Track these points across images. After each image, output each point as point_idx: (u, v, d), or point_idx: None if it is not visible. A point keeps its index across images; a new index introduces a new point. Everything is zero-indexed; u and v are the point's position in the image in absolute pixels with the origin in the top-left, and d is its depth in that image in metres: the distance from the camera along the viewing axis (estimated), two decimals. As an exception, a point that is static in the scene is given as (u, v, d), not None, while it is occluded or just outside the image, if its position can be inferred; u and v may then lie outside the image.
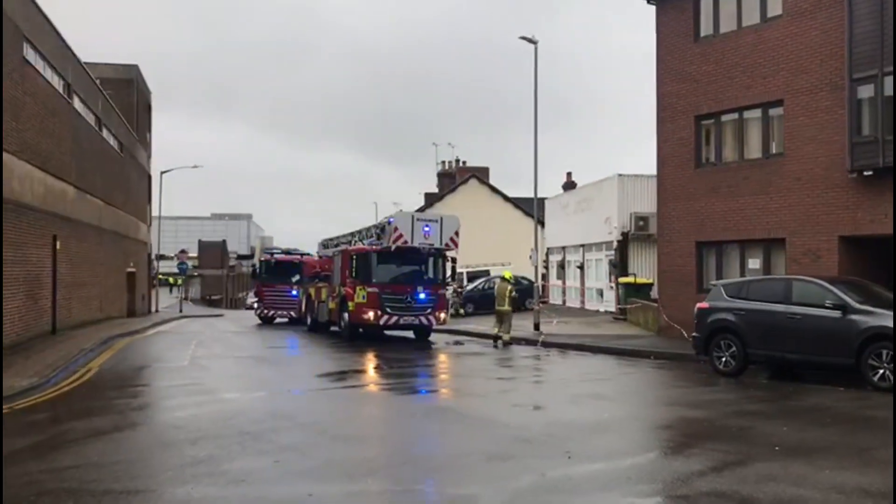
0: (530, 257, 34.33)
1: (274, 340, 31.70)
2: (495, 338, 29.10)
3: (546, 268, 51.69)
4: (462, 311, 42.89)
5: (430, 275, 30.86)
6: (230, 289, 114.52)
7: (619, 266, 39.95)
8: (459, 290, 44.42)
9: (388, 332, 32.77)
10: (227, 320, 49.85)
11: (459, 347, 29.08)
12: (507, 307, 29.01)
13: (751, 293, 21.97)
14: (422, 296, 30.14)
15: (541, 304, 34.98)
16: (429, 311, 30.37)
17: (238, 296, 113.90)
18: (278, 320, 43.49)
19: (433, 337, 32.58)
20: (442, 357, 25.57)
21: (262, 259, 45.53)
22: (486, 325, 35.93)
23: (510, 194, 67.09)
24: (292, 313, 42.70)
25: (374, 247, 30.66)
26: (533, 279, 37.18)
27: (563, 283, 48.93)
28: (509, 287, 28.98)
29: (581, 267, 46.07)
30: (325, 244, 39.77)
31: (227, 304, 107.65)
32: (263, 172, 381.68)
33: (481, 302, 46.01)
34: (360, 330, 30.60)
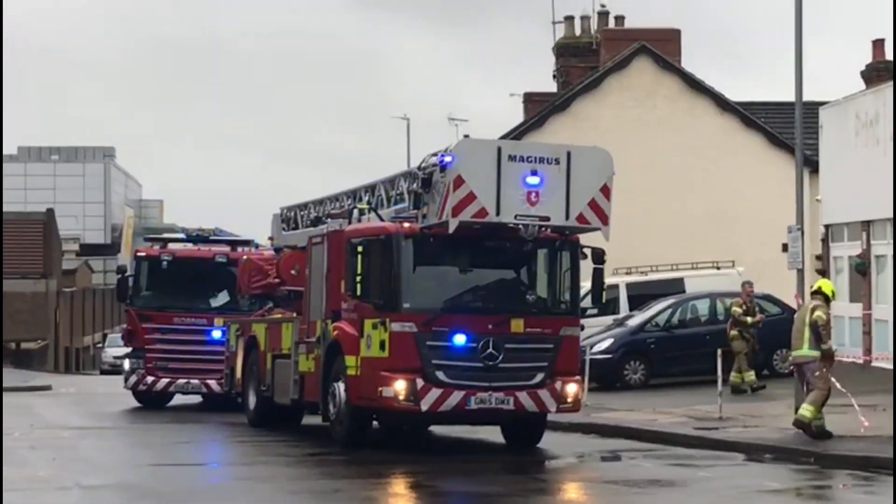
0: (786, 248, 23.41)
1: (168, 450, 22.21)
2: (804, 425, 20.03)
3: (824, 272, 34.76)
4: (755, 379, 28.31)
5: (540, 291, 20.61)
6: (66, 325, 73.66)
7: None
8: (746, 316, 28.11)
9: (436, 428, 23.41)
10: (62, 401, 36.19)
11: (621, 468, 19.69)
12: (807, 350, 19.95)
13: None
14: (521, 343, 19.80)
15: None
16: (537, 378, 19.74)
17: (87, 342, 77.96)
18: (180, 399, 31.40)
19: (549, 440, 21.92)
20: (585, 500, 17.15)
21: (142, 255, 32.07)
22: (685, 402, 26.02)
23: (720, 92, 43.75)
24: (212, 383, 29.54)
25: (405, 223, 20.16)
26: (794, 302, 24.68)
27: (867, 307, 32.39)
28: (819, 310, 19.90)
29: None
30: (287, 218, 27.36)
31: (62, 361, 71.02)
32: (136, 61, 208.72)
33: (667, 354, 30.84)
34: (374, 423, 21.29)
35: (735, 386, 25.64)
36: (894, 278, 26.15)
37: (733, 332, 25.95)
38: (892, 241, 26.94)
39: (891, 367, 28.29)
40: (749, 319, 26.34)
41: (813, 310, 20.10)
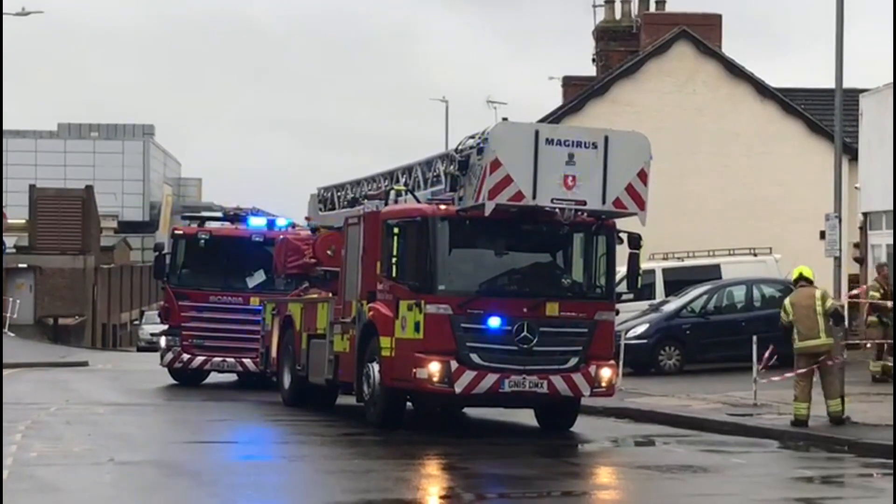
0: (823, 236, 22.70)
1: (203, 428, 22.14)
2: (836, 419, 19.65)
3: (861, 260, 34.40)
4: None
5: (576, 275, 20.20)
6: (103, 301, 72.07)
7: None
8: (885, 300, 26.96)
9: (470, 410, 23.06)
10: (98, 377, 36.01)
11: (654, 454, 19.52)
12: (825, 338, 19.37)
13: None
14: (555, 327, 19.28)
15: (845, 352, 22.40)
16: (571, 362, 19.28)
17: (124, 318, 77.65)
18: (215, 377, 31.17)
19: (582, 424, 21.78)
20: (617, 484, 16.71)
21: (179, 233, 31.64)
22: (719, 388, 25.72)
23: (762, 79, 43.11)
24: (248, 361, 29.02)
25: (442, 205, 19.81)
26: (833, 290, 23.24)
27: None
28: (820, 295, 19.57)
29: None
30: (324, 198, 26.92)
31: (99, 337, 70.15)
32: (177, 41, 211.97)
33: (702, 340, 30.65)
34: (408, 404, 21.04)
35: (876, 374, 23.99)
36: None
37: (871, 318, 24.30)
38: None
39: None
40: (889, 304, 24.33)
41: (823, 298, 19.59)
